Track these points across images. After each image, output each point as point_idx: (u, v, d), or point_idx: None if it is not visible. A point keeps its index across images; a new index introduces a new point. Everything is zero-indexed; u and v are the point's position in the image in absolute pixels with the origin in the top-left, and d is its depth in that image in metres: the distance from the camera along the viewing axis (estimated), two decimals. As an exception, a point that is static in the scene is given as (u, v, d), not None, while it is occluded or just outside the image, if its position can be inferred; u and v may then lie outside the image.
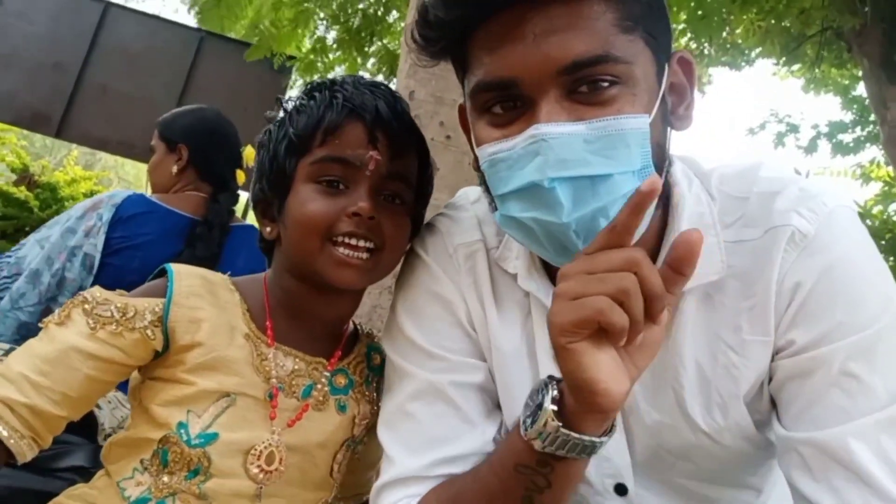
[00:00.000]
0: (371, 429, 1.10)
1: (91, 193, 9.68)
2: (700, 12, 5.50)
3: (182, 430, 0.96)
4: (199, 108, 2.30)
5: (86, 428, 1.31)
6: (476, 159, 0.90)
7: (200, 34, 7.50)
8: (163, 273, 1.05)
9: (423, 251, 1.06)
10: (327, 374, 1.06)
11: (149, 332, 0.96)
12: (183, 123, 2.18)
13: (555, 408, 0.76)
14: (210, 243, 2.02)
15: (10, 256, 1.83)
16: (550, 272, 0.97)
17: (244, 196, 2.28)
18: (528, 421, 0.79)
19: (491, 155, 0.83)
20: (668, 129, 0.87)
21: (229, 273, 1.13)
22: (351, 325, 1.20)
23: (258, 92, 6.74)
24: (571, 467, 0.80)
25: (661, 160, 0.83)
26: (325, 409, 1.05)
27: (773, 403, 0.89)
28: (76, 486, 1.02)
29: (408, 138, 1.06)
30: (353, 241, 0.98)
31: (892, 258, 7.14)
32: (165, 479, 0.96)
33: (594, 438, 0.76)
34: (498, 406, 1.01)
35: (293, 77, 6.94)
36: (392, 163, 1.02)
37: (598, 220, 0.78)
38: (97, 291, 0.98)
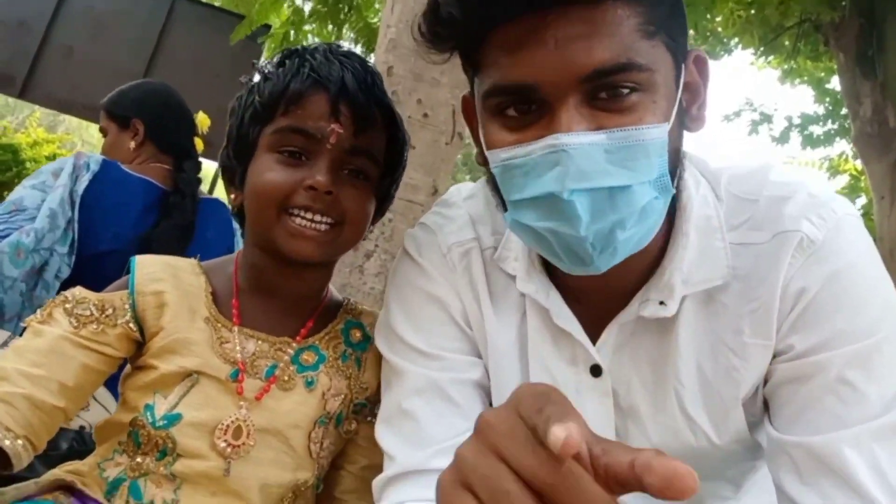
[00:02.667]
0: (351, 405, 1.09)
1: (54, 156, 9.44)
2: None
3: (148, 413, 0.96)
4: (144, 82, 2.28)
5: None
6: (480, 154, 0.87)
7: (172, -3, 7.29)
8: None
9: (415, 251, 1.04)
10: (291, 352, 1.04)
11: (131, 325, 0.98)
12: (132, 98, 2.15)
13: None
14: (185, 212, 2.01)
15: None
16: (550, 271, 0.96)
17: (207, 165, 2.25)
18: None
19: (505, 160, 0.80)
20: (684, 131, 0.86)
21: (198, 256, 1.12)
22: (337, 298, 1.18)
23: (230, 58, 6.56)
24: None
25: (675, 166, 0.82)
26: (293, 387, 1.03)
27: (766, 406, 0.89)
28: (72, 461, 1.02)
29: (375, 112, 1.03)
30: (309, 216, 0.97)
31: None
32: (139, 459, 0.97)
33: None
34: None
35: (271, 47, 6.81)
36: (356, 137, 1.00)
37: (615, 231, 0.76)
38: (76, 291, 0.99)
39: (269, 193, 0.96)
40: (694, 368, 0.90)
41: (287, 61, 1.03)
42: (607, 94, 0.75)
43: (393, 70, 3.39)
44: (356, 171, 1.02)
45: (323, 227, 0.98)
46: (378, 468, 0.97)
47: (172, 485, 0.95)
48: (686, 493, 0.45)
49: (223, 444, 0.96)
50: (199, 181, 2.16)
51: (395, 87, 3.42)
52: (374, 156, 1.03)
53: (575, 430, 0.42)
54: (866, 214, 7.81)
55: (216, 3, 7.54)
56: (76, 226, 1.81)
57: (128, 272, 1.04)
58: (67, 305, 0.96)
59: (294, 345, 1.05)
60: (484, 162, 0.87)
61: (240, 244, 2.21)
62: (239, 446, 0.97)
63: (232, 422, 0.97)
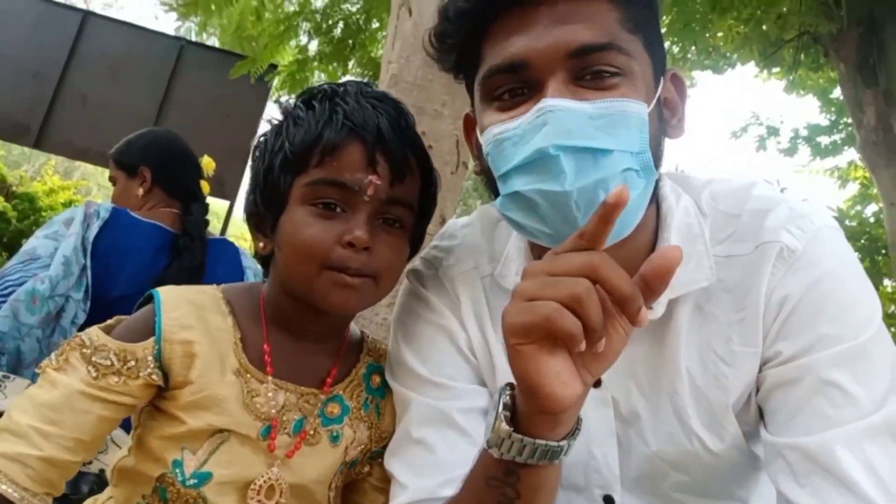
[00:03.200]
0: (369, 454, 1.09)
1: (70, 203, 9.59)
2: (682, 20, 5.56)
3: (177, 470, 0.94)
4: (149, 131, 2.35)
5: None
6: (479, 162, 0.94)
7: (181, 42, 7.45)
8: (150, 299, 1.00)
9: (419, 284, 1.08)
10: (319, 405, 1.02)
11: (153, 375, 0.94)
12: (138, 146, 2.23)
13: (506, 413, 0.77)
14: (194, 253, 2.06)
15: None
16: None
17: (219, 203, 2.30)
18: (488, 430, 0.79)
19: (496, 135, 0.86)
20: (663, 135, 0.91)
21: (220, 287, 1.09)
22: (357, 334, 1.15)
23: (240, 100, 6.71)
24: (538, 475, 0.79)
25: (657, 155, 0.87)
26: (318, 443, 1.01)
27: (761, 414, 0.91)
28: (93, 497, 1.01)
29: (410, 160, 1.00)
30: (346, 277, 0.94)
31: (868, 260, 7.24)
32: None
33: (550, 442, 0.76)
34: None
35: (279, 87, 6.92)
36: (393, 187, 0.96)
37: (597, 192, 0.80)
38: (94, 334, 0.95)
39: (309, 250, 0.93)
40: (686, 376, 0.93)
41: (317, 105, 0.98)
42: (591, 76, 0.83)
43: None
44: (392, 219, 0.98)
45: (359, 279, 0.95)
46: None
47: None
48: (670, 260, 0.68)
49: None
50: (206, 223, 2.21)
51: (399, 119, 3.48)
52: (410, 204, 1.00)
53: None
54: (878, 222, 7.74)
55: (223, 47, 7.68)
56: (90, 272, 1.86)
57: (143, 302, 1.02)
58: (85, 351, 0.93)
59: (321, 396, 1.03)
60: (480, 171, 0.93)
61: (251, 273, 2.25)
62: None
63: (265, 481, 0.96)
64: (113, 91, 7.11)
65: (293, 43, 6.27)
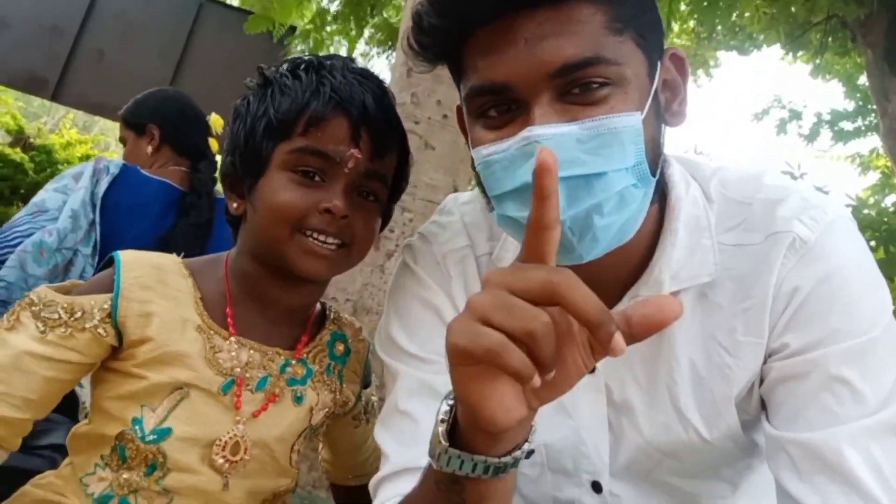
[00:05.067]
0: (332, 416, 1.12)
1: (87, 157, 9.64)
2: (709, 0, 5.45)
3: (136, 427, 0.94)
4: (158, 90, 2.35)
5: (66, 406, 1.33)
6: (473, 160, 0.90)
7: (199, 1, 7.41)
8: (111, 262, 1.01)
9: (412, 260, 1.07)
10: (283, 364, 1.05)
11: (100, 330, 0.94)
12: (147, 105, 2.24)
13: (442, 426, 0.72)
14: (201, 211, 2.07)
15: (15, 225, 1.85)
16: None
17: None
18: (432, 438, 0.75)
19: (486, 157, 0.83)
20: (663, 125, 0.88)
21: (183, 255, 1.10)
22: (318, 308, 1.18)
23: (257, 61, 6.55)
24: (485, 487, 0.73)
25: (655, 156, 0.84)
26: (281, 402, 1.03)
27: (763, 406, 0.90)
28: (43, 474, 1.01)
29: (391, 137, 1.03)
30: (322, 238, 0.97)
31: (885, 249, 7.16)
32: (125, 475, 0.95)
33: (490, 459, 0.69)
34: None
35: (296, 46, 6.88)
36: (372, 161, 1.00)
37: (591, 216, 0.78)
38: (43, 291, 0.96)
39: (285, 213, 0.96)
40: (687, 366, 0.92)
41: (303, 75, 1.01)
42: (579, 90, 0.78)
43: (412, 71, 3.43)
44: (367, 192, 1.02)
45: (333, 246, 0.98)
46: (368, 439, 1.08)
47: (164, 499, 0.96)
48: (667, 316, 0.59)
49: (221, 461, 0.96)
50: (214, 181, 2.21)
51: (415, 88, 3.46)
52: (386, 179, 1.04)
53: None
54: (896, 212, 7.65)
55: (241, 6, 7.63)
56: (98, 227, 1.87)
57: (106, 265, 1.02)
58: (34, 308, 0.93)
59: (283, 355, 1.05)
60: (475, 168, 0.90)
61: None
62: (237, 462, 0.98)
63: (230, 438, 0.97)
64: (130, 48, 7.11)
65: (312, 4, 6.23)
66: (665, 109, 0.88)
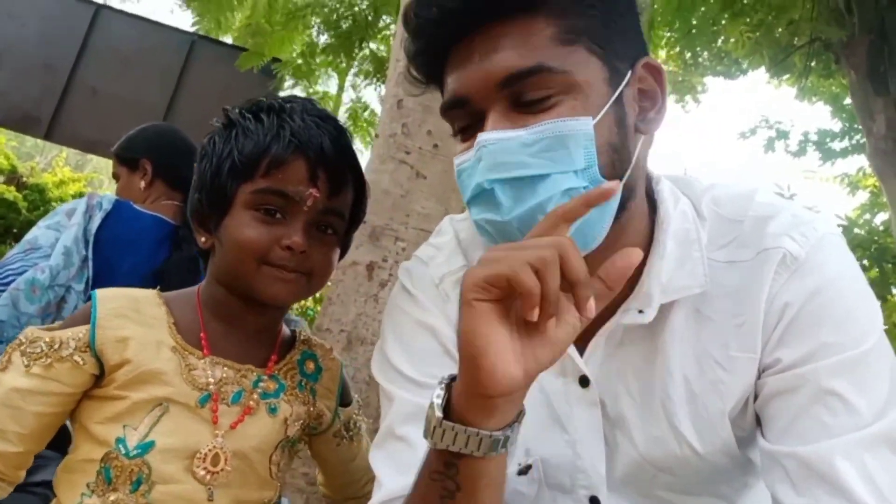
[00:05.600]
0: (307, 428, 1.17)
1: (80, 195, 9.66)
2: (692, 26, 5.55)
3: (120, 445, 0.98)
4: (150, 125, 2.37)
5: (58, 442, 1.33)
6: None
7: (192, 37, 7.49)
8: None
9: (409, 283, 1.08)
10: (256, 379, 1.09)
11: (77, 358, 0.99)
12: (139, 140, 2.25)
13: (438, 400, 0.77)
14: (194, 242, 2.06)
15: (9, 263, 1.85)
16: None
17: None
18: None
19: (458, 166, 0.89)
20: (635, 133, 0.89)
21: (158, 287, 1.16)
22: (287, 332, 1.24)
23: (249, 94, 6.64)
24: (478, 466, 0.76)
25: (617, 161, 0.85)
26: (256, 413, 1.08)
27: (758, 421, 0.91)
28: None
29: (347, 175, 1.12)
30: (283, 273, 1.05)
31: (877, 268, 7.20)
32: (112, 498, 0.97)
33: (483, 431, 0.74)
34: None
35: (285, 78, 6.95)
36: (329, 199, 1.08)
37: (536, 216, 0.80)
38: (30, 331, 1.02)
39: (250, 249, 1.03)
40: (681, 381, 0.93)
41: (265, 118, 1.08)
42: (529, 99, 0.82)
43: (403, 103, 3.46)
44: (326, 226, 1.10)
45: (294, 276, 1.06)
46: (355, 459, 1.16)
47: None
48: (630, 259, 0.73)
49: (202, 472, 1.00)
50: None
51: (406, 119, 3.49)
52: (343, 214, 1.12)
53: None
54: (887, 230, 7.71)
55: (234, 41, 7.73)
56: (91, 263, 1.87)
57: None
58: (22, 347, 1.00)
59: (256, 372, 1.10)
60: None
61: None
62: (218, 473, 1.01)
63: (210, 450, 1.01)
64: (123, 84, 7.17)
65: (303, 37, 6.32)
66: (639, 117, 0.90)
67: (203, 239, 1.12)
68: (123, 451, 0.98)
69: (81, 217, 1.90)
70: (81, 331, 1.01)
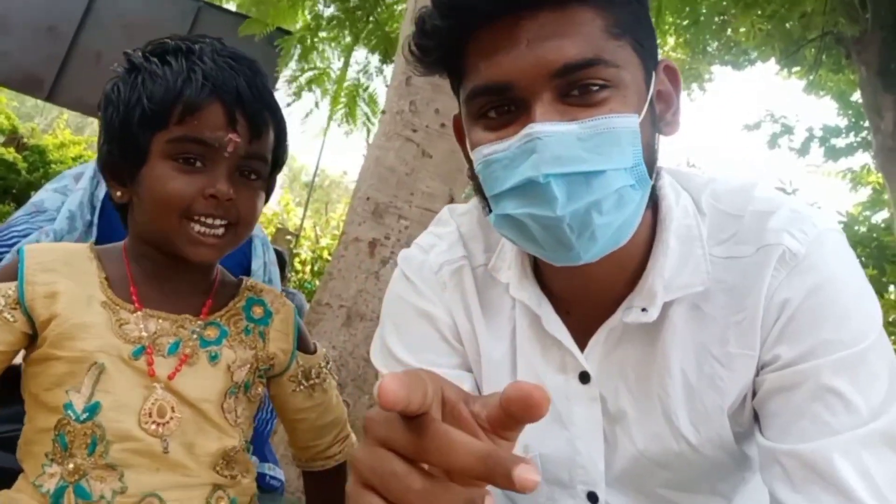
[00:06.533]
0: (258, 372, 1.13)
1: (80, 157, 9.63)
2: (701, 14, 5.51)
3: (69, 412, 0.97)
4: None
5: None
6: (470, 169, 0.91)
7: (198, 4, 7.43)
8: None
9: (408, 269, 1.08)
10: (194, 328, 1.07)
11: (7, 315, 0.97)
12: None
13: None
14: None
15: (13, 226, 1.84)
16: (542, 282, 0.99)
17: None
18: None
19: (486, 156, 0.84)
20: (657, 134, 0.89)
21: (92, 241, 1.14)
22: (229, 278, 1.20)
23: (254, 64, 6.68)
24: None
25: (651, 162, 0.85)
26: (196, 363, 1.05)
27: (756, 418, 0.91)
28: (2, 491, 1.03)
29: (267, 117, 1.06)
30: (209, 221, 1.01)
31: (876, 266, 7.22)
32: (71, 465, 0.97)
33: None
34: None
35: (291, 52, 6.89)
36: (251, 144, 1.03)
37: (590, 213, 0.79)
38: None
39: (172, 203, 0.99)
40: (680, 377, 0.92)
41: (173, 61, 1.02)
42: (579, 91, 0.80)
43: (411, 80, 3.44)
44: (250, 171, 1.06)
45: (220, 230, 1.02)
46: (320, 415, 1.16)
47: (115, 473, 0.97)
48: (539, 409, 0.46)
49: (153, 427, 0.98)
50: None
51: (414, 96, 3.46)
52: (266, 158, 1.08)
53: (391, 383, 0.44)
54: (888, 229, 7.73)
55: (239, 11, 7.66)
56: (95, 229, 1.86)
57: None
58: None
59: (196, 321, 1.07)
60: (472, 177, 0.91)
61: (258, 250, 2.25)
62: (167, 423, 0.99)
63: (153, 403, 0.99)
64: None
65: (309, 11, 6.27)
66: (659, 119, 0.90)
67: (119, 193, 1.06)
68: (74, 417, 0.96)
69: (88, 182, 1.88)
70: (11, 287, 0.98)
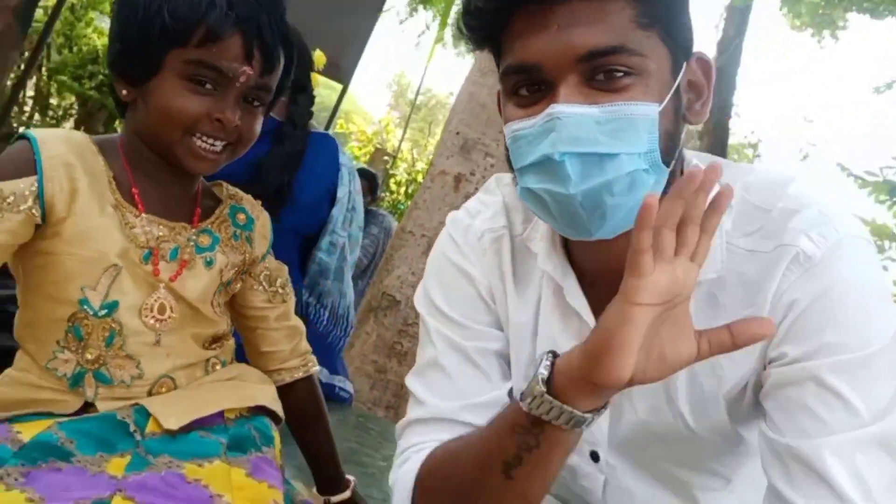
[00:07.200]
0: (241, 271, 1.22)
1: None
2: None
3: (86, 307, 1.04)
4: None
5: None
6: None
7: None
8: (21, 139, 1.06)
9: (455, 232, 1.15)
10: (190, 236, 1.14)
11: (33, 210, 0.99)
12: None
13: (545, 374, 0.84)
14: (295, 141, 2.15)
15: None
16: (569, 255, 1.05)
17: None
18: (525, 385, 0.87)
19: (514, 132, 0.91)
20: (682, 123, 0.93)
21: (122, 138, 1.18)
22: (206, 185, 1.26)
23: (363, 1, 6.68)
24: (560, 435, 0.86)
25: (670, 148, 0.89)
26: (194, 267, 1.14)
27: (760, 408, 0.94)
28: (3, 373, 1.09)
29: (280, 52, 1.12)
30: (211, 140, 1.07)
31: None
32: (88, 355, 1.06)
33: (576, 411, 0.82)
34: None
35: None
36: (262, 76, 1.09)
37: (602, 193, 0.84)
38: None
39: (178, 118, 1.04)
40: None
41: None
42: (603, 76, 0.85)
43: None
44: (254, 99, 1.11)
45: (219, 147, 1.08)
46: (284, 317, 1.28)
47: (133, 362, 1.07)
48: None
49: (152, 321, 1.08)
50: (310, 114, 2.28)
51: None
52: (272, 89, 1.14)
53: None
54: None
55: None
56: None
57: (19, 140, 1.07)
58: None
59: (191, 228, 1.15)
60: (507, 149, 0.98)
61: (345, 178, 2.36)
62: (165, 320, 1.10)
63: (154, 300, 1.08)
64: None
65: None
66: (687, 108, 0.93)
67: (125, 92, 1.10)
68: (92, 312, 1.04)
69: None
70: (31, 183, 1.00)
